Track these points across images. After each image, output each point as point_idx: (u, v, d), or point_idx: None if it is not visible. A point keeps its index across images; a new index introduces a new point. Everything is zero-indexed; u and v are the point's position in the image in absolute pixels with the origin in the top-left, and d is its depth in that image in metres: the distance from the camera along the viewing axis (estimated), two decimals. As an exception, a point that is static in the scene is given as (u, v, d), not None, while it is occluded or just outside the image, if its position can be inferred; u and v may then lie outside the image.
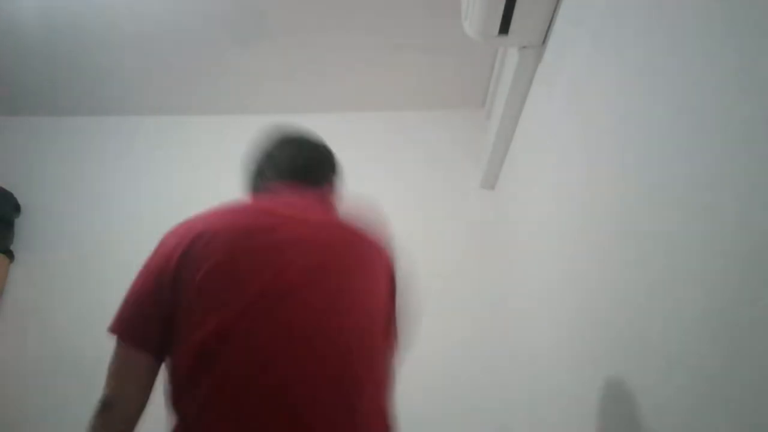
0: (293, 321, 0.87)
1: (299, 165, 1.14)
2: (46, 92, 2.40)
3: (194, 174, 2.35)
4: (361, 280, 0.99)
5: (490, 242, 2.14)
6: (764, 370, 0.57)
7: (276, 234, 0.94)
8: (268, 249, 0.92)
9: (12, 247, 2.23)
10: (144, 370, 0.88)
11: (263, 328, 0.86)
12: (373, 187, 2.29)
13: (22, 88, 2.38)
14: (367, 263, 1.02)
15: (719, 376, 0.65)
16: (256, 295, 0.87)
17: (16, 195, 2.28)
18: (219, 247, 0.91)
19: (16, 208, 2.28)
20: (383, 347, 0.99)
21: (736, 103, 0.64)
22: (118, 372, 0.88)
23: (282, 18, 2.02)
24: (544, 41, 1.53)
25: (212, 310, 0.86)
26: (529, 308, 1.71)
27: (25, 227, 2.29)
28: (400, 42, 2.11)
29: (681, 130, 0.77)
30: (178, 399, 0.86)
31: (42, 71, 2.27)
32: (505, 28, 1.47)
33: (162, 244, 0.97)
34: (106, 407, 0.85)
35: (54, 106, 2.47)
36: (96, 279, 2.14)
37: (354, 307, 0.94)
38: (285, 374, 0.83)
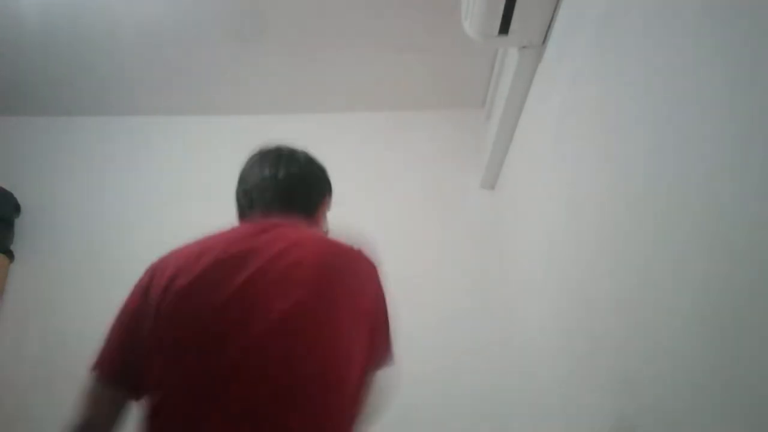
0: (224, 370, 0.85)
1: (257, 194, 1.10)
2: (46, 92, 2.39)
3: (194, 174, 2.35)
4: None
5: (489, 242, 2.14)
6: (762, 369, 0.57)
7: (233, 278, 0.90)
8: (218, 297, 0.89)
9: (12, 247, 2.23)
10: (107, 403, 0.93)
11: (195, 378, 0.86)
12: (373, 187, 2.30)
13: (22, 88, 2.38)
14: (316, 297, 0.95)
15: (716, 371, 0.65)
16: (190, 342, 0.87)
17: (16, 195, 2.28)
18: (168, 288, 0.92)
19: (16, 208, 2.28)
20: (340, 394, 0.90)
21: (736, 102, 0.64)
22: (84, 400, 0.93)
23: (282, 18, 2.01)
24: (544, 41, 1.53)
25: (157, 353, 0.89)
26: (529, 308, 1.71)
27: (25, 227, 2.29)
28: (400, 42, 2.10)
29: (681, 129, 0.77)
30: None
31: (42, 71, 2.27)
32: (505, 28, 1.47)
33: (138, 280, 1.00)
34: (73, 429, 0.91)
35: (54, 106, 2.46)
36: (96, 279, 2.13)
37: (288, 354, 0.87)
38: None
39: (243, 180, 1.14)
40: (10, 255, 2.21)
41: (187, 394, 0.84)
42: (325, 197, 1.18)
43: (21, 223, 2.29)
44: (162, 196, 2.32)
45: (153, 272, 0.98)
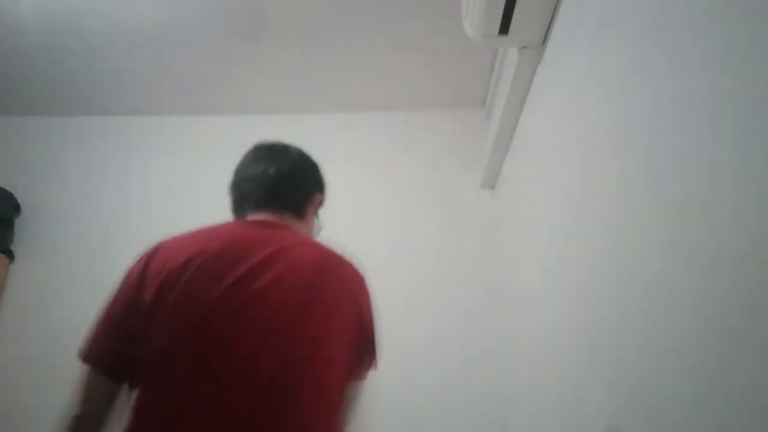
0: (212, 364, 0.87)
1: (246, 192, 1.12)
2: (46, 92, 2.40)
3: (194, 174, 2.35)
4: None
5: (490, 242, 2.14)
6: (760, 368, 0.57)
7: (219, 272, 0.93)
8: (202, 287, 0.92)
9: (12, 247, 2.23)
10: (99, 390, 0.94)
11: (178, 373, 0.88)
12: (373, 187, 2.30)
13: (22, 88, 2.38)
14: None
15: (719, 375, 0.65)
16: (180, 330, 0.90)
17: (16, 195, 2.28)
18: (158, 277, 0.94)
19: (16, 208, 2.28)
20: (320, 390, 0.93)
21: (737, 102, 0.64)
22: (78, 389, 0.95)
23: (281, 19, 2.01)
24: (544, 41, 1.53)
25: (151, 344, 0.90)
26: (530, 308, 1.71)
27: (25, 227, 2.29)
28: (400, 42, 2.10)
29: (681, 129, 0.77)
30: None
31: (41, 71, 2.27)
32: (505, 28, 1.47)
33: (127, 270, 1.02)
34: (69, 419, 0.93)
35: (54, 106, 2.47)
36: (96, 279, 2.13)
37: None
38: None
39: (236, 175, 1.16)
40: (10, 255, 2.21)
41: (181, 384, 0.86)
42: (315, 195, 1.18)
43: (21, 223, 2.29)
44: (162, 195, 2.32)
45: (146, 262, 0.98)
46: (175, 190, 2.33)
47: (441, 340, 1.97)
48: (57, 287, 2.18)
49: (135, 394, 0.90)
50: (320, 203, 1.21)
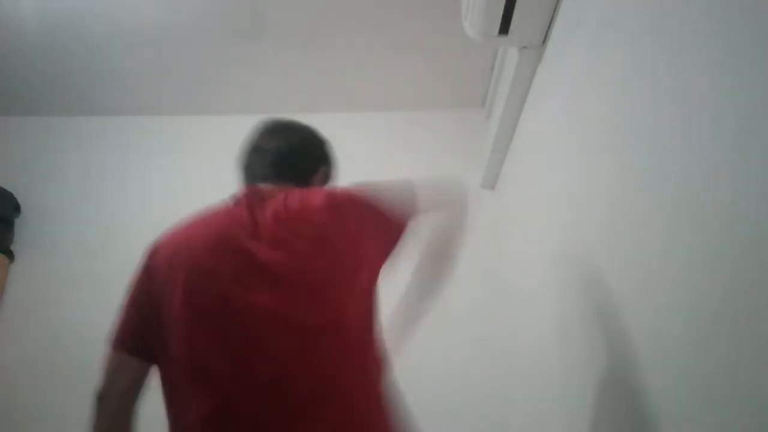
0: (232, 339, 0.88)
1: (254, 165, 1.14)
2: (46, 92, 2.39)
3: (194, 174, 2.35)
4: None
5: (489, 242, 2.14)
6: (760, 369, 0.57)
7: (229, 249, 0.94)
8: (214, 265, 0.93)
9: (12, 247, 2.23)
10: (126, 371, 0.94)
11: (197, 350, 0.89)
12: (373, 187, 2.30)
13: (22, 88, 2.38)
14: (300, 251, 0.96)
15: (716, 375, 0.65)
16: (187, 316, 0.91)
17: (16, 195, 2.28)
18: (163, 263, 0.97)
19: (16, 208, 2.28)
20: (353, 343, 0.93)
21: (737, 102, 0.64)
22: (105, 371, 0.95)
23: (281, 19, 2.01)
24: (544, 41, 1.53)
25: (175, 325, 0.91)
26: (530, 308, 1.71)
27: (25, 227, 2.29)
28: (400, 42, 2.10)
29: (681, 129, 0.77)
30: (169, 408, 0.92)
31: (42, 71, 2.27)
32: (505, 28, 1.47)
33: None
34: (96, 400, 0.92)
35: (54, 106, 2.47)
36: (96, 279, 2.13)
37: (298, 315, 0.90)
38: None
39: (243, 149, 1.18)
40: (10, 255, 2.21)
41: (209, 360, 0.87)
42: (319, 167, 1.18)
43: (21, 223, 2.29)
44: (162, 195, 2.32)
45: (157, 250, 1.01)
46: (175, 190, 2.33)
47: (441, 340, 1.97)
48: (57, 287, 2.17)
49: (170, 372, 0.92)
50: (327, 177, 1.21)
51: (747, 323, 0.60)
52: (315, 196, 1.01)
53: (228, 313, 0.89)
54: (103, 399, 0.92)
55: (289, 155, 1.14)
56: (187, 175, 2.36)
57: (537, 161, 1.63)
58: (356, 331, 0.93)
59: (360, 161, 2.34)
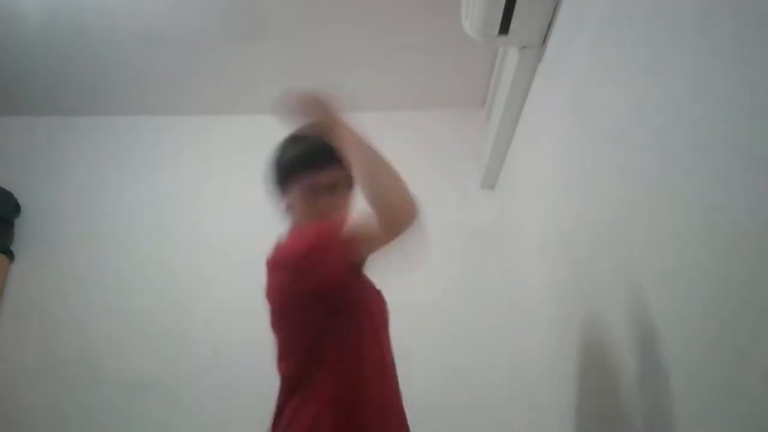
0: None
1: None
2: (46, 92, 2.39)
3: (194, 174, 2.35)
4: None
5: (490, 242, 2.14)
6: (763, 368, 0.57)
7: None
8: None
9: (12, 247, 2.23)
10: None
11: None
12: (373, 187, 2.29)
13: (22, 88, 2.38)
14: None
15: (718, 375, 0.65)
16: None
17: (16, 195, 2.28)
18: None
19: (16, 208, 2.28)
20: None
21: (737, 101, 0.64)
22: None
23: (281, 18, 2.01)
24: (544, 41, 1.53)
25: None
26: (531, 308, 1.71)
27: (25, 227, 2.29)
28: (400, 42, 2.10)
29: (681, 128, 0.77)
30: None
31: (42, 71, 2.27)
32: (505, 28, 1.47)
33: None
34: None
35: (54, 106, 2.46)
36: (95, 279, 2.13)
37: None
38: None
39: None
40: (10, 255, 2.21)
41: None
42: (291, 179, 1.16)
43: (21, 223, 2.29)
44: (162, 195, 2.31)
45: None
46: (174, 190, 2.33)
47: (440, 340, 1.97)
48: (57, 287, 2.17)
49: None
50: (310, 185, 1.15)
51: (757, 321, 0.60)
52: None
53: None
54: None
55: (277, 169, 1.23)
56: (187, 174, 2.36)
57: (537, 161, 1.63)
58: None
59: (360, 161, 2.35)
